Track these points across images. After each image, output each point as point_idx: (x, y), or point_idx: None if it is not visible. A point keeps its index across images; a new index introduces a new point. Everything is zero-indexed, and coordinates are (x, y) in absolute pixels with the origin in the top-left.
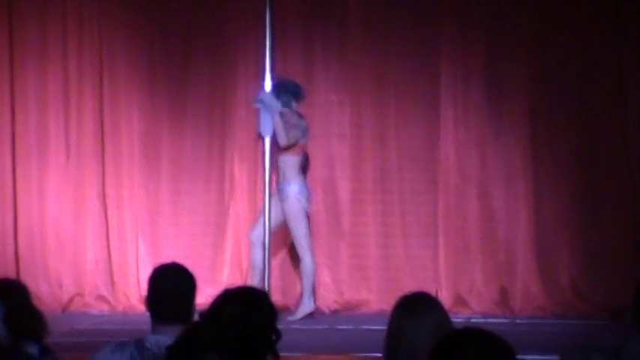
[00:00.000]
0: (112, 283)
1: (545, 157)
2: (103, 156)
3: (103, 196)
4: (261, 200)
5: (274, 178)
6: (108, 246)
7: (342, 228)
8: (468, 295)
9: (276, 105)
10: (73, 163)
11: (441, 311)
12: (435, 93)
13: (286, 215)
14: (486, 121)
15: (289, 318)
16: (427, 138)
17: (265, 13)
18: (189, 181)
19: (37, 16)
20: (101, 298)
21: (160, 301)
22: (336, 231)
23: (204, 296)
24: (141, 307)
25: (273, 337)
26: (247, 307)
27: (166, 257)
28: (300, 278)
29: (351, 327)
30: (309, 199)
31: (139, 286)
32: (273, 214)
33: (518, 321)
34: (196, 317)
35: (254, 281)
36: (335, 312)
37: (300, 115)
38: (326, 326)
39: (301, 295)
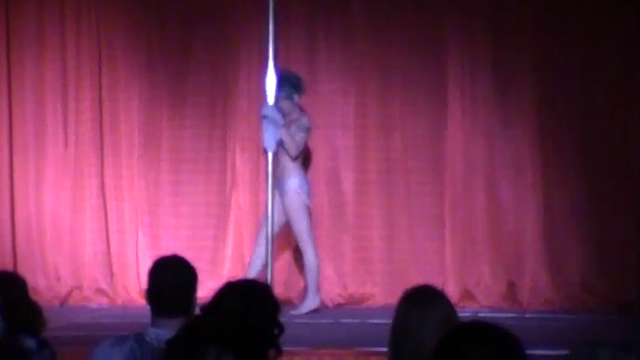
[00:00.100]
0: (111, 275)
1: (553, 148)
2: (101, 146)
3: (102, 187)
4: (263, 192)
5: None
6: (107, 238)
7: (346, 220)
8: (475, 288)
9: (280, 119)
10: (71, 154)
11: (448, 304)
12: (441, 82)
13: (287, 210)
14: (494, 111)
15: (293, 312)
16: (433, 128)
17: (268, 0)
18: (189, 172)
19: (35, 4)
20: (100, 291)
21: (160, 293)
22: (339, 223)
23: (206, 289)
24: (141, 301)
25: (276, 331)
26: (249, 300)
27: (166, 249)
28: (304, 272)
29: (355, 321)
30: (309, 194)
31: (138, 278)
32: (275, 213)
33: (526, 315)
34: (197, 311)
35: (250, 274)
36: (339, 306)
37: (302, 109)
38: (330, 320)
39: (305, 289)
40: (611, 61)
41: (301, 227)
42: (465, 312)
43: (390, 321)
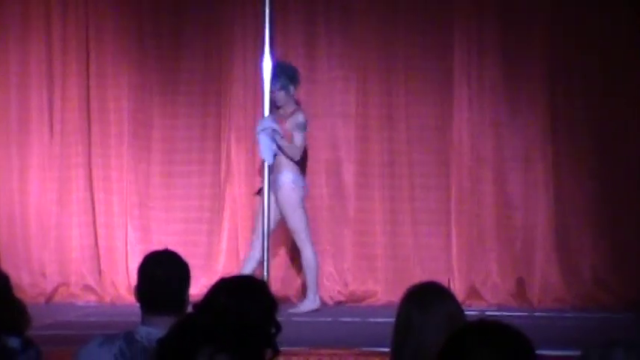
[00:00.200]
0: (99, 271)
1: (565, 138)
2: (89, 135)
3: (90, 178)
4: (259, 184)
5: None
6: (95, 232)
7: (347, 214)
8: (482, 286)
9: (278, 128)
10: (57, 144)
11: (454, 303)
12: (447, 69)
13: (281, 206)
14: (502, 100)
15: (291, 310)
16: (439, 118)
17: None
18: (182, 163)
19: None
20: (87, 287)
21: (151, 290)
22: (340, 217)
23: (199, 286)
24: (130, 298)
25: (273, 330)
26: (244, 297)
27: (158, 244)
28: (302, 270)
29: (356, 320)
30: (304, 189)
31: (128, 275)
32: (271, 211)
33: (536, 314)
34: (190, 308)
35: (245, 270)
36: (339, 303)
37: (297, 102)
38: (329, 319)
39: (303, 286)
40: (626, 49)
41: (297, 224)
42: (472, 311)
43: (392, 320)
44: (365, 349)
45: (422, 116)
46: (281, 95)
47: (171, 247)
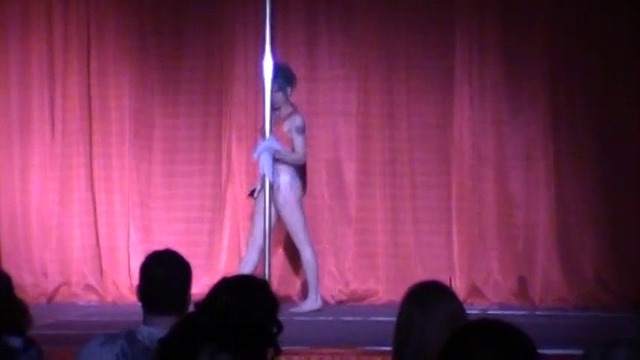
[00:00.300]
0: (101, 271)
1: (566, 137)
2: (90, 135)
3: (91, 178)
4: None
5: None
6: (96, 232)
7: (348, 213)
8: (483, 285)
9: (279, 146)
10: (59, 143)
11: (455, 301)
12: (448, 68)
13: (279, 207)
14: (504, 98)
15: (293, 310)
16: (440, 116)
17: None
18: (183, 163)
19: None
20: (89, 287)
21: (153, 290)
22: (341, 216)
23: (200, 286)
24: (132, 297)
25: (274, 329)
26: (246, 296)
27: (159, 244)
28: (302, 269)
29: (357, 319)
30: (302, 190)
31: (129, 274)
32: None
33: (537, 313)
34: (191, 308)
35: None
36: (340, 303)
37: (293, 105)
38: (331, 318)
39: (304, 285)
40: (627, 48)
41: (296, 225)
42: (473, 309)
43: (393, 319)
44: (366, 348)
45: (423, 114)
46: (278, 96)
47: (173, 247)
